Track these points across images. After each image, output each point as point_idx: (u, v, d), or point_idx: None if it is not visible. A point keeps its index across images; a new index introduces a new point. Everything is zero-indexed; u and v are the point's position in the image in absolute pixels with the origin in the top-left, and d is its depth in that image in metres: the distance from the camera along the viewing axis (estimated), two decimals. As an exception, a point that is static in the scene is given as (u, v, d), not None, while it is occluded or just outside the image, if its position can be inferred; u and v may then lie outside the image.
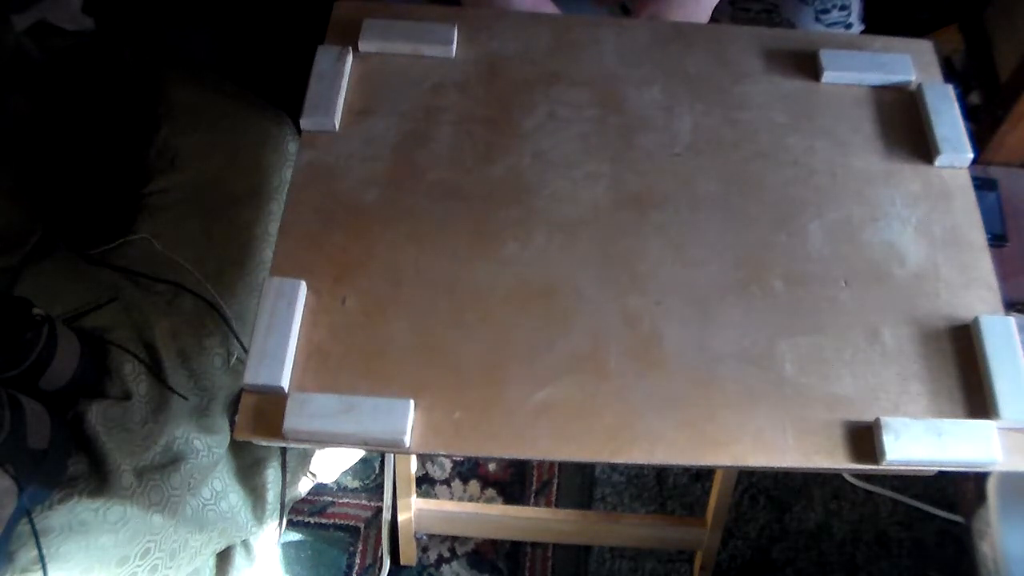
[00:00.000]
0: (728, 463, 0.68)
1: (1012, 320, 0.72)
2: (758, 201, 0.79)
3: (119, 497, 0.89)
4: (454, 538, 1.30)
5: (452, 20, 0.87)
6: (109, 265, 1.06)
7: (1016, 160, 1.39)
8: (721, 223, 0.77)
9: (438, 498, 1.34)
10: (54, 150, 1.19)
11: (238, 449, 1.09)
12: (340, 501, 1.33)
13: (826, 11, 1.09)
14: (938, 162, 0.81)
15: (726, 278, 0.74)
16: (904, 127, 0.84)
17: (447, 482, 1.36)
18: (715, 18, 1.11)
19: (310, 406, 0.66)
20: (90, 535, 0.87)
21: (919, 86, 0.85)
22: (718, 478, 1.13)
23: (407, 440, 0.66)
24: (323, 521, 1.32)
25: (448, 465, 1.37)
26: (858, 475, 1.33)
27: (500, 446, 0.67)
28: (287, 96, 1.17)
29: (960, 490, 1.30)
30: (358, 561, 1.28)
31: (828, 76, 0.86)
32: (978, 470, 0.69)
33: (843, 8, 1.10)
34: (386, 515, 1.30)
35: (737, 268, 0.75)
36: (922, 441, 0.66)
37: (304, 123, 0.81)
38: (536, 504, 1.34)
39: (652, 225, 0.77)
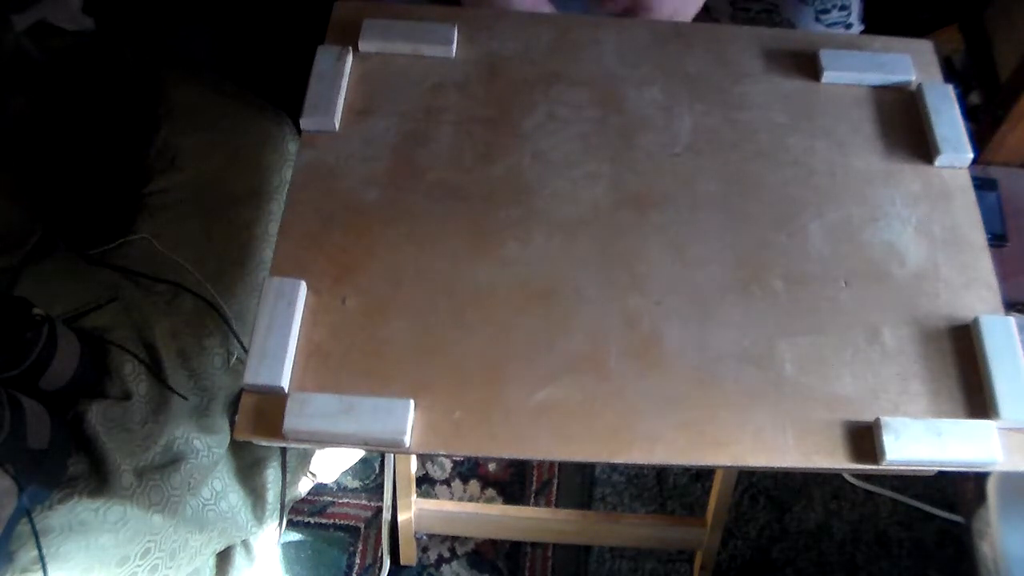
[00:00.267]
0: (728, 463, 0.68)
1: (1012, 320, 0.72)
2: (758, 201, 0.79)
3: (119, 497, 0.89)
4: (454, 538, 1.30)
5: (452, 20, 0.87)
6: (109, 265, 1.06)
7: (1016, 160, 1.39)
8: (721, 223, 0.77)
9: (438, 498, 1.34)
10: (54, 150, 1.19)
11: (238, 449, 1.09)
12: (340, 501, 1.33)
13: (826, 11, 1.09)
14: (938, 162, 0.81)
15: (726, 278, 0.74)
16: (904, 127, 0.84)
17: (447, 482, 1.36)
18: (715, 18, 1.11)
19: (310, 406, 0.66)
20: (90, 535, 0.87)
21: (919, 86, 0.85)
22: (718, 478, 1.13)
23: (407, 440, 0.66)
24: (323, 521, 1.32)
25: (448, 465, 1.37)
26: (858, 475, 1.33)
27: (500, 446, 0.67)
28: (287, 96, 1.17)
29: (960, 490, 1.30)
30: (358, 561, 1.28)
31: (828, 76, 0.85)
32: (978, 470, 0.69)
33: (843, 8, 1.10)
34: (386, 515, 1.30)
35: (737, 268, 0.75)
36: (922, 441, 0.66)
37: (304, 123, 0.81)
38: (536, 504, 1.34)
39: (652, 225, 0.77)
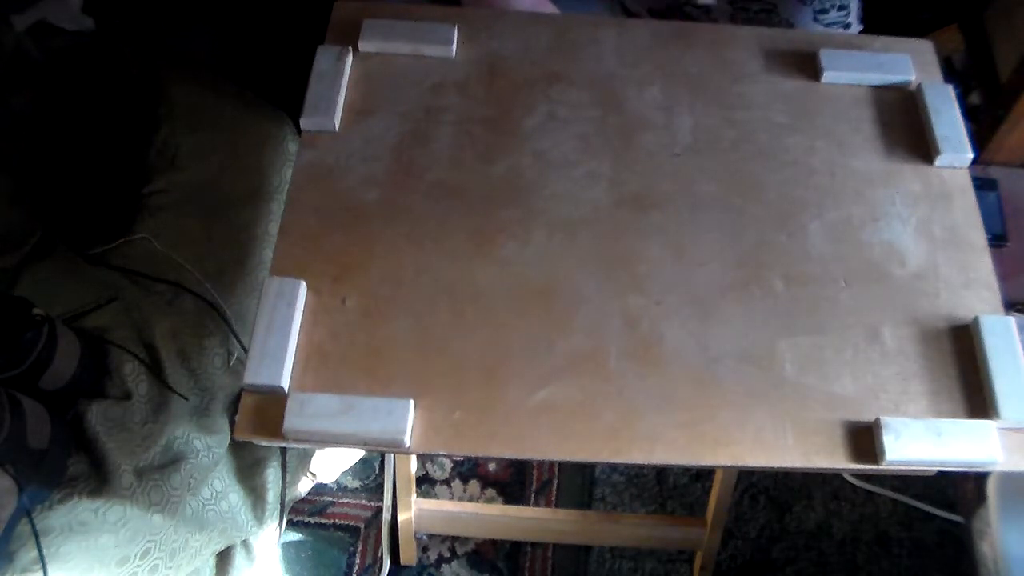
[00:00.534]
0: (728, 463, 0.68)
1: (1012, 320, 0.72)
2: (758, 201, 0.79)
3: (119, 497, 0.89)
4: (454, 538, 1.30)
5: (452, 20, 0.87)
6: (109, 265, 1.06)
7: (1016, 160, 1.38)
8: (721, 223, 0.77)
9: (438, 498, 1.34)
10: (54, 150, 1.19)
11: (238, 449, 1.09)
12: (340, 501, 1.33)
13: (824, 11, 1.09)
14: (938, 162, 0.81)
15: (726, 278, 0.74)
16: (904, 127, 0.84)
17: (447, 482, 1.36)
18: (715, 18, 1.11)
19: (310, 406, 0.66)
20: (90, 535, 0.87)
21: (919, 86, 0.85)
22: (718, 478, 1.13)
23: (407, 440, 0.66)
24: (323, 521, 1.32)
25: (448, 465, 1.37)
26: (858, 475, 1.33)
27: (500, 446, 0.67)
28: (287, 96, 1.17)
29: (960, 490, 1.30)
30: (358, 561, 1.28)
31: (828, 76, 0.86)
32: (978, 470, 0.69)
33: (841, 8, 1.10)
34: (386, 515, 1.30)
35: (737, 268, 0.75)
36: (922, 441, 0.66)
37: (304, 123, 0.81)
38: (536, 504, 1.34)
39: (652, 225, 0.77)
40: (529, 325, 0.72)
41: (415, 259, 0.75)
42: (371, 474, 1.35)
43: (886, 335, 0.72)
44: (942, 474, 0.90)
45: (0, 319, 0.85)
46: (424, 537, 1.30)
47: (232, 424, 1.07)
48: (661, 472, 1.36)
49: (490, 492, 1.35)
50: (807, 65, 0.87)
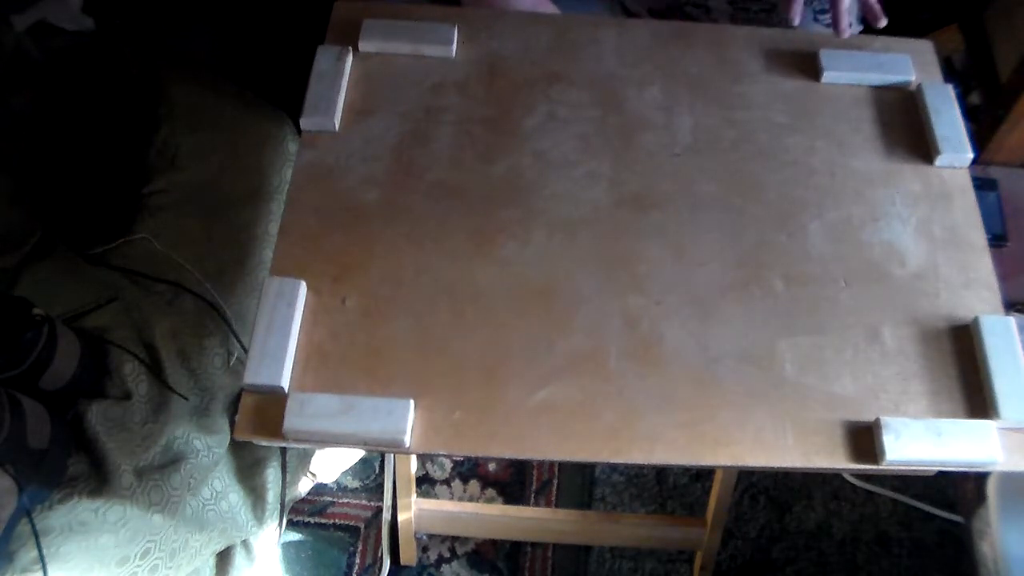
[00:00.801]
0: (728, 463, 0.68)
1: (1012, 320, 0.72)
2: (758, 201, 0.79)
3: (119, 497, 0.89)
4: (454, 538, 1.30)
5: (452, 20, 0.87)
6: (109, 265, 1.06)
7: (1016, 160, 1.38)
8: (721, 223, 0.77)
9: (438, 498, 1.34)
10: (54, 150, 1.19)
11: (238, 449, 1.09)
12: (340, 501, 1.33)
13: (824, 11, 1.09)
14: (938, 162, 0.81)
15: (726, 278, 0.74)
16: (904, 127, 0.84)
17: (447, 482, 1.36)
18: (715, 18, 1.11)
19: (310, 406, 0.66)
20: (90, 535, 0.87)
21: (919, 86, 0.85)
22: (718, 478, 1.13)
23: (407, 440, 0.66)
24: (323, 521, 1.32)
25: (448, 465, 1.37)
26: (858, 475, 1.33)
27: (500, 446, 0.67)
28: (287, 96, 1.17)
29: (960, 490, 1.30)
30: (358, 561, 1.28)
31: (828, 76, 0.86)
32: (978, 470, 0.69)
33: (843, 8, 1.10)
34: (386, 515, 1.30)
35: (737, 268, 0.75)
36: (922, 441, 0.66)
37: (304, 123, 0.81)
38: (536, 504, 1.34)
39: (652, 225, 0.77)
40: (529, 325, 0.72)
41: (415, 259, 0.75)
42: (371, 474, 1.35)
43: (886, 335, 0.72)
44: (942, 474, 0.90)
45: (0, 319, 0.85)
46: (424, 537, 1.30)
47: (232, 424, 1.07)
48: (661, 472, 1.36)
49: (490, 492, 1.35)
50: (807, 65, 0.87)
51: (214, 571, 1.10)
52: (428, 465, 1.37)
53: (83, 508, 0.87)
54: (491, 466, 1.37)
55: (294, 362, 0.69)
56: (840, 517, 1.32)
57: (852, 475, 1.34)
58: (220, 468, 1.05)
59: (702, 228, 0.77)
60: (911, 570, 1.28)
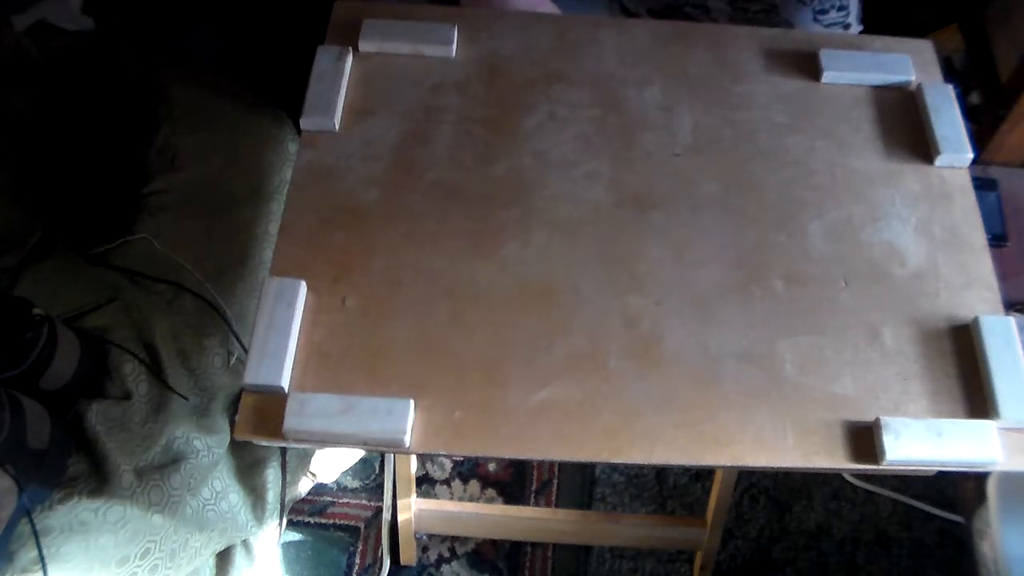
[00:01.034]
0: (728, 463, 0.68)
1: (1012, 320, 0.72)
2: (758, 201, 0.79)
3: (119, 497, 0.89)
4: (454, 538, 1.30)
5: (452, 20, 0.87)
6: (109, 265, 1.06)
7: (1016, 160, 1.38)
8: (721, 223, 0.77)
9: (438, 498, 1.34)
10: (54, 150, 1.19)
11: (238, 449, 1.09)
12: (340, 501, 1.33)
13: (824, 11, 1.09)
14: (938, 162, 0.81)
15: (726, 278, 0.74)
16: (904, 127, 0.84)
17: (447, 482, 1.36)
18: (714, 18, 1.11)
19: (310, 406, 0.66)
20: (90, 535, 0.87)
21: (919, 86, 0.85)
22: (718, 478, 1.13)
23: (407, 440, 0.66)
24: (323, 521, 1.32)
25: (448, 465, 1.37)
26: (858, 475, 1.33)
27: (500, 446, 0.67)
28: (287, 96, 1.17)
29: (960, 490, 1.30)
30: (358, 561, 1.28)
31: (828, 76, 0.86)
32: (978, 470, 0.69)
33: (841, 8, 1.10)
34: (386, 515, 1.30)
35: (737, 268, 0.75)
36: (922, 441, 0.66)
37: (304, 123, 0.81)
38: (536, 504, 1.34)
39: (652, 225, 0.77)
40: (529, 325, 0.72)
41: (415, 259, 0.75)
42: (371, 474, 1.35)
43: (886, 335, 0.72)
44: (942, 474, 0.90)
45: (0, 319, 0.85)
46: (424, 537, 1.30)
47: (232, 424, 1.07)
48: (661, 472, 1.36)
49: (490, 492, 1.35)
50: (807, 65, 0.87)
51: (214, 571, 1.10)
52: (428, 465, 1.37)
53: (83, 508, 0.87)
54: (491, 466, 1.37)
55: (294, 362, 0.69)
56: (840, 517, 1.32)
57: (852, 475, 1.34)
58: (220, 468, 1.05)
59: (702, 228, 0.77)
60: (911, 570, 1.28)
